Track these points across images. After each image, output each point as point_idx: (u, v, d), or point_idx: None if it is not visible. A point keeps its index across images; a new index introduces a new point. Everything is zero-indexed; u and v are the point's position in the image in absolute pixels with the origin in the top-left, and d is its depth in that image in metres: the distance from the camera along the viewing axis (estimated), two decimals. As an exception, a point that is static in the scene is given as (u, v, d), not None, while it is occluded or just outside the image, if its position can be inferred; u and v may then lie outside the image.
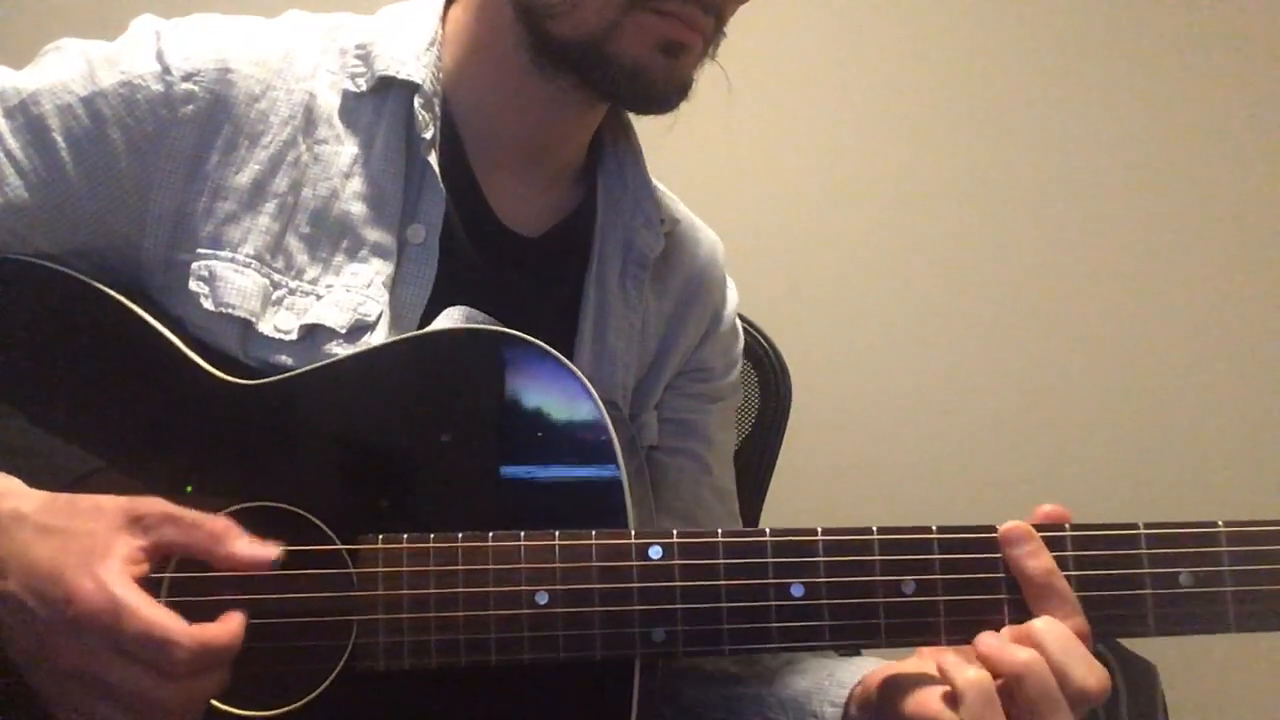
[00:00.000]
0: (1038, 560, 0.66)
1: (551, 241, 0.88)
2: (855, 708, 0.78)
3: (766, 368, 1.28)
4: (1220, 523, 0.67)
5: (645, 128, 0.92)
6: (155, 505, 0.64)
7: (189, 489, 0.70)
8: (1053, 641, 0.63)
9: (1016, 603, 0.66)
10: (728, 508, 1.00)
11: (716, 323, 0.99)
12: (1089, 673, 0.62)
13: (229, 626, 0.63)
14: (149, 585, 0.62)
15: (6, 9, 1.35)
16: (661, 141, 0.92)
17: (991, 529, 0.68)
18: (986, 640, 0.65)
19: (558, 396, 0.72)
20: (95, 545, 0.61)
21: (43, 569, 0.61)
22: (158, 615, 0.60)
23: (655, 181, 0.94)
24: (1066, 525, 0.67)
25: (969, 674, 0.63)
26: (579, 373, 0.72)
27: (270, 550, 0.65)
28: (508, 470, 0.71)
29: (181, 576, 0.67)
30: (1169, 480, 1.61)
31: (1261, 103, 1.63)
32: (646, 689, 0.69)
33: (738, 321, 1.03)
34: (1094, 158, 1.64)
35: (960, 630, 0.66)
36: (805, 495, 1.37)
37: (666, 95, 0.79)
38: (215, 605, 0.65)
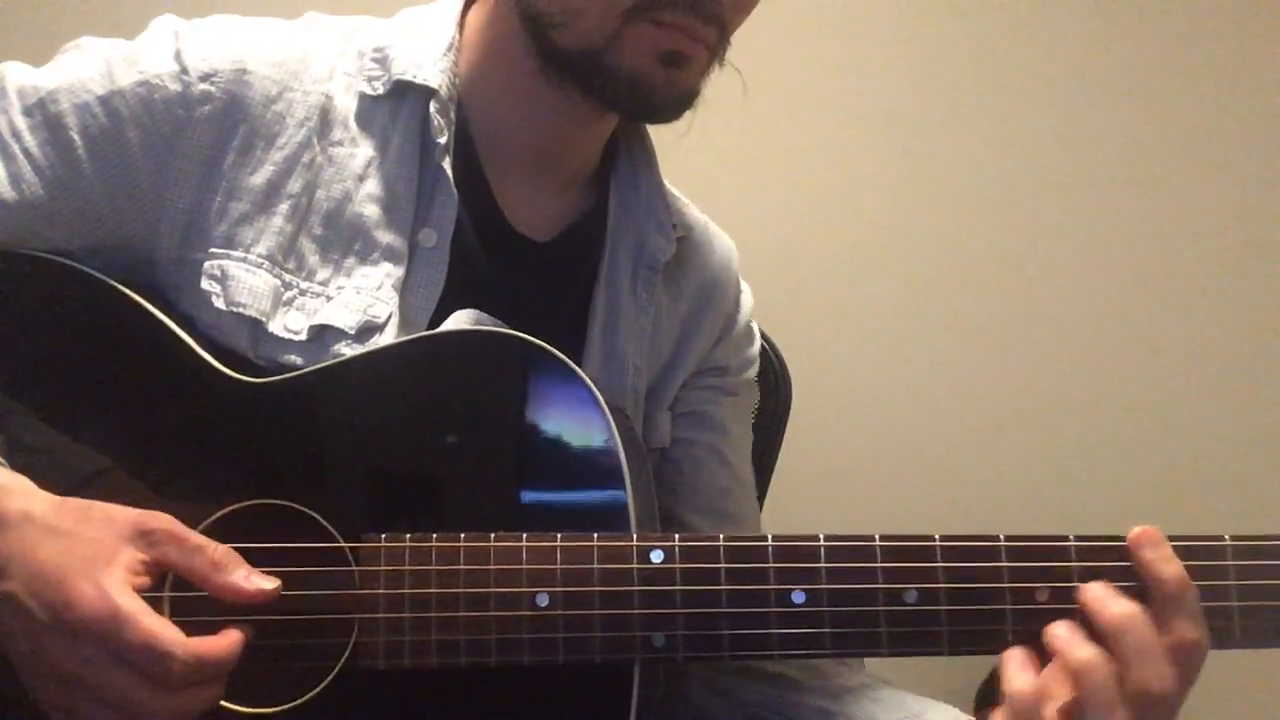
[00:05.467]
0: (1173, 566, 0.59)
1: (562, 246, 0.85)
2: None
3: (766, 368, 1.23)
4: (1227, 536, 0.62)
5: (659, 132, 0.88)
6: (163, 522, 0.61)
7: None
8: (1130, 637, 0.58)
9: (1020, 613, 0.62)
10: (751, 499, 0.95)
11: (731, 326, 0.94)
12: (1156, 677, 0.57)
13: (225, 642, 0.60)
14: (147, 595, 0.59)
15: (26, 7, 1.31)
16: (675, 147, 0.88)
17: (994, 538, 0.63)
18: (1055, 632, 0.60)
19: (564, 400, 0.68)
20: (100, 552, 0.58)
21: (45, 571, 0.58)
22: (155, 625, 0.57)
23: (670, 186, 0.90)
24: (1071, 537, 0.62)
25: (1015, 683, 0.59)
26: (585, 376, 0.68)
27: (267, 583, 0.62)
28: (511, 474, 0.68)
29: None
30: (1172, 484, 1.56)
31: (1263, 103, 1.57)
32: (646, 694, 0.65)
33: (753, 325, 0.98)
34: (1097, 163, 1.58)
35: (964, 641, 0.62)
36: (805, 496, 1.32)
37: (667, 106, 0.76)
38: (217, 614, 0.62)
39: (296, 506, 0.66)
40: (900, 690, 0.81)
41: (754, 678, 0.84)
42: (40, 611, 0.57)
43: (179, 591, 0.63)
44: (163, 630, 0.56)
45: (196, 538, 0.62)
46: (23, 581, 0.57)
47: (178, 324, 0.71)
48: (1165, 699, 0.57)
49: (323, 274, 0.76)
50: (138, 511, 0.61)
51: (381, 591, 0.64)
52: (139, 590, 0.58)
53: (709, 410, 0.92)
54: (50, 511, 0.60)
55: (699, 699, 0.85)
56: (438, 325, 0.76)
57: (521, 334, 0.69)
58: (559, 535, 0.64)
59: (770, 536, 0.63)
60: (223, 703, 0.63)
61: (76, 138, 0.72)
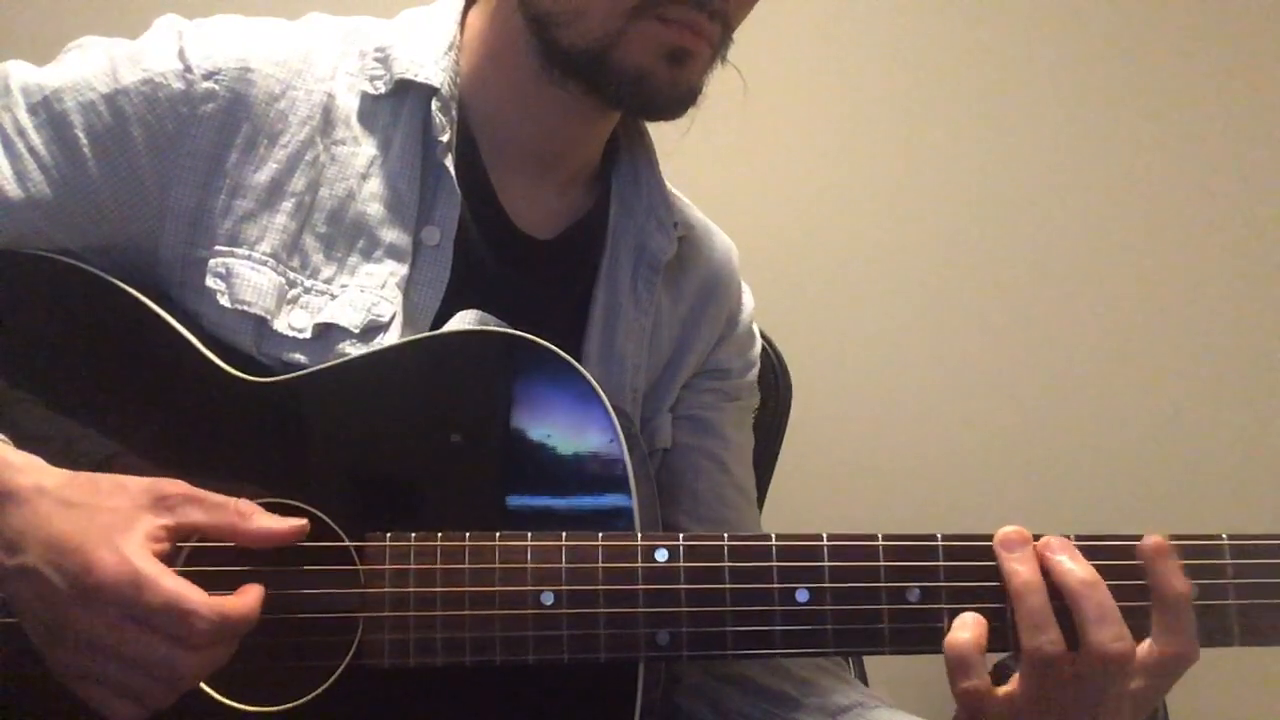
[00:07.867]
0: (1181, 581, 0.61)
1: (564, 244, 0.85)
2: None
3: (766, 368, 1.22)
4: (1225, 535, 0.62)
5: (659, 131, 0.88)
6: (178, 487, 0.62)
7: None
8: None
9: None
10: (750, 507, 0.95)
11: (732, 326, 0.94)
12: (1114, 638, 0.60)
13: (247, 599, 0.61)
14: (166, 562, 0.59)
15: (28, 7, 1.31)
16: (675, 147, 0.88)
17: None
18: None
19: (568, 400, 0.68)
20: (118, 520, 0.59)
21: (64, 541, 0.58)
22: (179, 586, 0.57)
23: (670, 186, 0.90)
24: (1072, 536, 0.63)
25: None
26: (589, 376, 0.69)
27: (295, 521, 0.63)
28: (515, 473, 0.68)
29: (198, 547, 0.64)
30: (1172, 484, 1.56)
31: (1262, 103, 1.58)
32: (650, 693, 0.65)
33: (754, 325, 0.98)
34: (1099, 164, 1.59)
35: (965, 640, 0.61)
36: (805, 495, 1.33)
37: (672, 103, 0.76)
38: (229, 580, 0.62)
39: (301, 505, 0.66)
40: (897, 711, 0.80)
41: (750, 691, 0.83)
42: (60, 581, 0.57)
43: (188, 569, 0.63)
44: (185, 590, 0.57)
45: (214, 496, 0.62)
46: (40, 554, 0.58)
47: (182, 322, 0.72)
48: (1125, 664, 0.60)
49: (327, 272, 0.76)
50: (149, 479, 0.62)
51: (386, 590, 0.64)
52: (159, 556, 0.59)
53: (710, 416, 0.92)
54: (62, 484, 0.61)
55: (691, 708, 0.85)
56: (442, 323, 0.76)
57: (526, 334, 0.70)
58: (564, 534, 0.64)
59: (774, 536, 0.64)
60: (227, 701, 0.64)
61: (81, 136, 0.72)
